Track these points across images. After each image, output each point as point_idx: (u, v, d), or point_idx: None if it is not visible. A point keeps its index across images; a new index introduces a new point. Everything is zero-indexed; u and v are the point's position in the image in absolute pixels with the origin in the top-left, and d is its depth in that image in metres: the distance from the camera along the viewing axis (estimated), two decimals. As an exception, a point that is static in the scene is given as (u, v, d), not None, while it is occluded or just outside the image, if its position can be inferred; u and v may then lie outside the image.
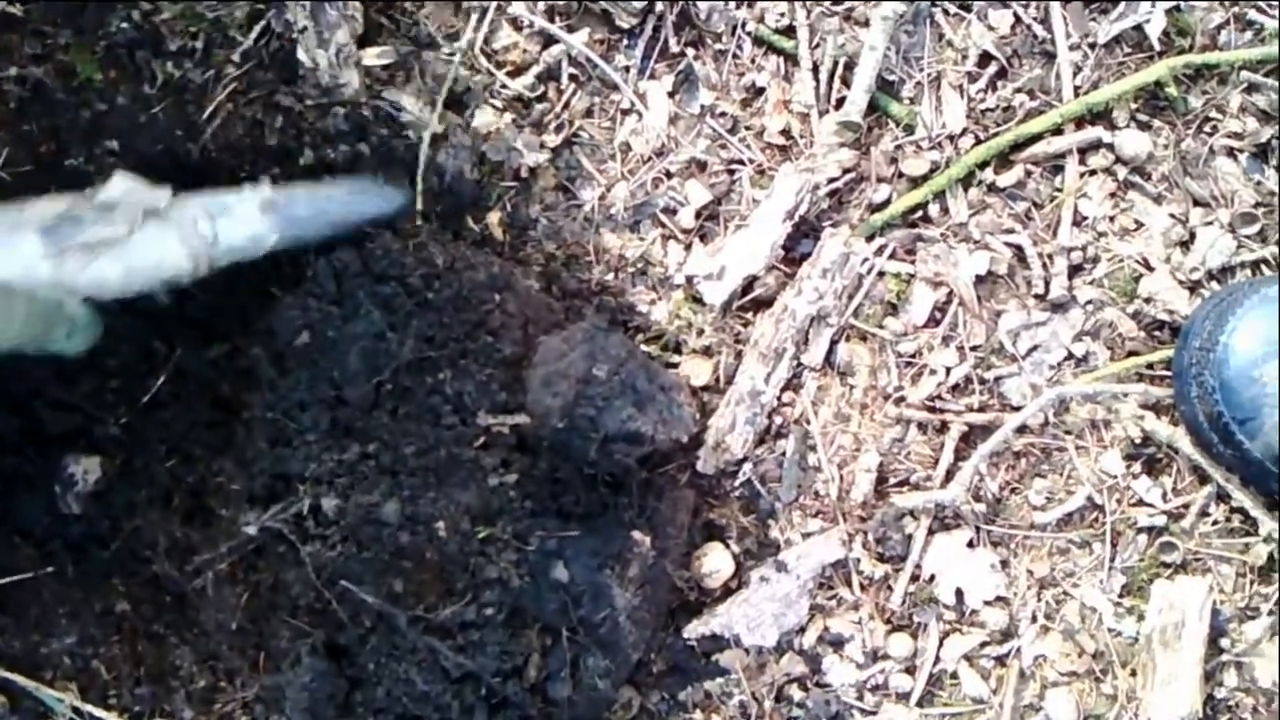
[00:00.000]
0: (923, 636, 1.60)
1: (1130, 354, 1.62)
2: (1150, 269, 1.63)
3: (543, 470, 1.46)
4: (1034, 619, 1.60)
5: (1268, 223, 1.62)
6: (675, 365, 1.62)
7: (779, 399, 1.61)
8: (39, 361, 1.43)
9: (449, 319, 1.48)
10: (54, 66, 1.44)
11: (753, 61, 1.67)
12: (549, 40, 1.64)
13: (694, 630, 1.57)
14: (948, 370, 1.62)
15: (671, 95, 1.66)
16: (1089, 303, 1.63)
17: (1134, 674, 1.57)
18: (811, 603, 1.59)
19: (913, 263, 1.63)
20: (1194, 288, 1.62)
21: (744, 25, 1.66)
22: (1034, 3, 1.66)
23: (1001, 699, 1.58)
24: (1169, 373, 1.60)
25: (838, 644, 1.59)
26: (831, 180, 1.63)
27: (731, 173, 1.66)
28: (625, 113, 1.66)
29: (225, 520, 1.49)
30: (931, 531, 1.60)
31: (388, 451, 1.46)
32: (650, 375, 1.47)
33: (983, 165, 1.64)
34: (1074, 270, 1.64)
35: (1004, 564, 1.60)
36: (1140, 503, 1.60)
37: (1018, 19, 1.66)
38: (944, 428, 1.61)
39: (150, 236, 1.31)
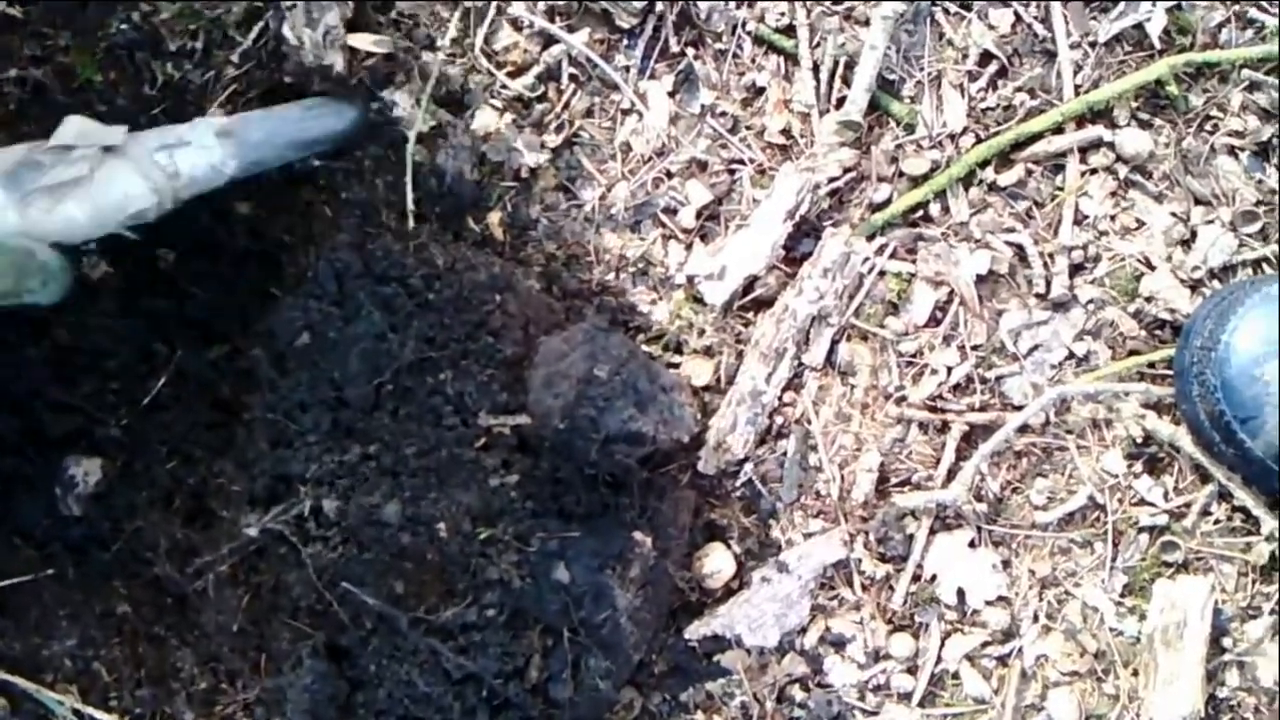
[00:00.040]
0: (924, 636, 1.59)
1: (1131, 353, 1.62)
2: (1151, 268, 1.63)
3: (544, 471, 1.46)
4: (1035, 619, 1.59)
5: (1269, 221, 1.62)
6: (676, 365, 1.62)
7: (780, 399, 1.61)
8: (20, 318, 1.45)
9: (450, 320, 1.48)
10: (54, 68, 1.44)
11: (753, 61, 1.67)
12: (549, 40, 1.64)
13: (695, 631, 1.57)
14: (949, 370, 1.61)
15: (672, 95, 1.66)
16: (1090, 302, 1.62)
17: (1136, 674, 1.57)
18: (813, 603, 1.59)
19: (914, 262, 1.63)
20: (1195, 286, 1.62)
21: (744, 25, 1.66)
22: (1034, 2, 1.66)
23: (1003, 699, 1.57)
24: (1170, 372, 1.59)
25: (839, 644, 1.59)
26: (832, 180, 1.63)
27: (732, 172, 1.66)
28: (626, 113, 1.66)
29: (226, 522, 1.49)
30: (933, 531, 1.60)
31: (389, 452, 1.46)
32: (651, 375, 1.47)
33: (983, 164, 1.64)
34: (1075, 269, 1.63)
35: (1005, 564, 1.60)
36: (1142, 502, 1.60)
37: (1018, 18, 1.66)
38: (945, 427, 1.61)
39: (112, 173, 1.31)
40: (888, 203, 1.65)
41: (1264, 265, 1.63)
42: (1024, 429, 1.60)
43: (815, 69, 1.65)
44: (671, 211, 1.65)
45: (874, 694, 1.58)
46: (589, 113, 1.65)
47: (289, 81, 1.52)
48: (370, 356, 1.46)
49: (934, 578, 1.59)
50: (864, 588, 1.60)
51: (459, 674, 1.42)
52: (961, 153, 1.64)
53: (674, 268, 1.64)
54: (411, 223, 1.56)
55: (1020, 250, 1.63)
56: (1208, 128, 1.65)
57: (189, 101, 1.50)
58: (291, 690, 1.42)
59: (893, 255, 1.63)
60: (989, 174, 1.64)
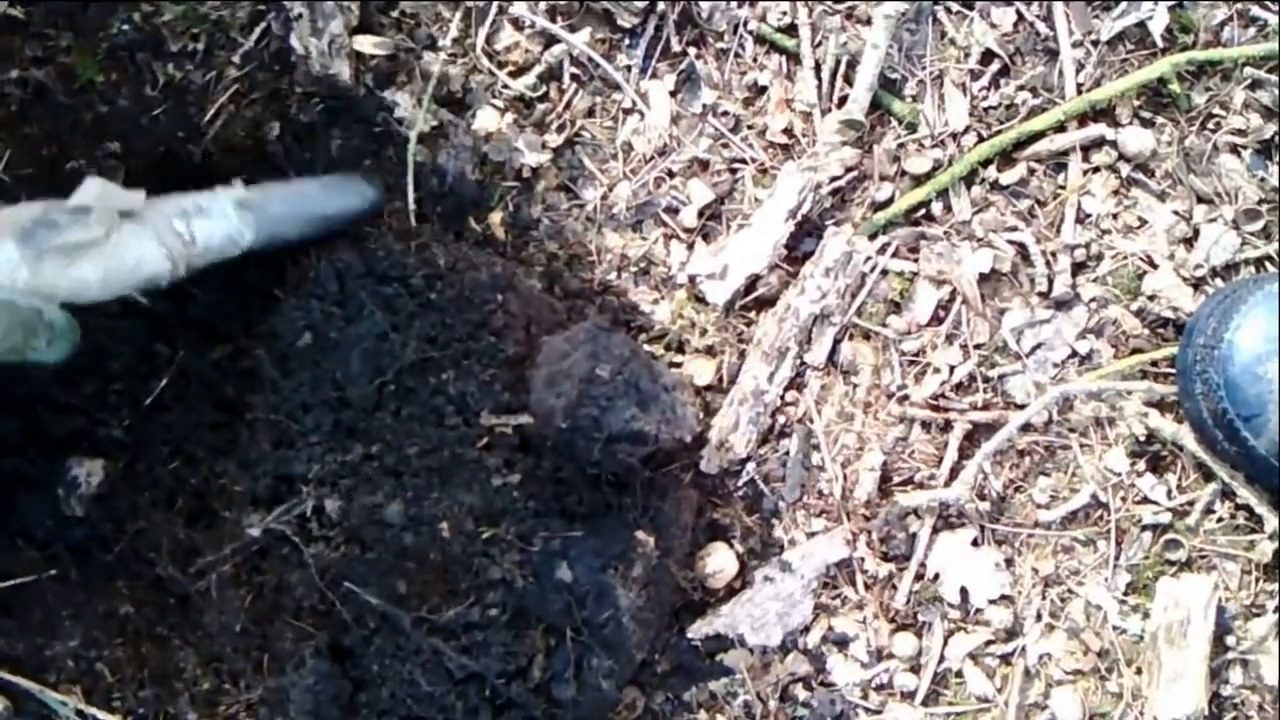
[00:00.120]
0: (927, 635, 1.59)
1: (1134, 351, 1.62)
2: (1154, 266, 1.63)
3: (546, 470, 1.46)
4: (1039, 617, 1.59)
5: (1271, 219, 1.62)
6: (678, 365, 1.62)
7: (782, 398, 1.61)
8: (23, 369, 1.43)
9: (451, 319, 1.48)
10: (55, 69, 1.44)
11: (755, 60, 1.67)
12: (551, 40, 1.64)
13: (698, 630, 1.57)
14: (951, 369, 1.61)
15: (673, 94, 1.66)
16: (1093, 300, 1.62)
17: (1139, 672, 1.57)
18: (816, 602, 1.59)
19: (916, 261, 1.63)
20: (1198, 285, 1.62)
21: (746, 24, 1.66)
22: (1036, 0, 1.65)
23: (1007, 697, 1.57)
24: (1173, 370, 1.59)
25: (842, 643, 1.59)
26: (834, 179, 1.63)
27: (734, 172, 1.65)
28: (627, 112, 1.66)
29: (229, 522, 1.48)
30: (936, 530, 1.60)
31: (391, 452, 1.46)
32: (653, 375, 1.47)
33: (985, 163, 1.64)
34: (1077, 268, 1.63)
35: (1008, 562, 1.60)
36: (1145, 500, 1.60)
37: (1020, 16, 1.66)
38: (948, 426, 1.61)
39: (127, 238, 1.30)
40: (890, 202, 1.65)
41: (1266, 263, 1.63)
42: (1027, 428, 1.60)
43: (817, 68, 1.65)
44: (673, 211, 1.65)
45: (877, 693, 1.58)
46: (590, 112, 1.65)
47: (297, 90, 1.53)
48: (372, 356, 1.46)
49: (937, 576, 1.59)
50: (867, 587, 1.60)
51: (462, 674, 1.42)
52: (964, 151, 1.64)
53: (676, 267, 1.64)
54: (413, 222, 1.56)
55: (1022, 249, 1.63)
56: (1210, 126, 1.65)
57: (190, 103, 1.50)
58: (294, 690, 1.42)
59: (895, 254, 1.63)
60: (991, 173, 1.64)
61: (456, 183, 1.60)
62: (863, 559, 1.59)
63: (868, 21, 1.65)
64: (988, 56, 1.65)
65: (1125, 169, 1.64)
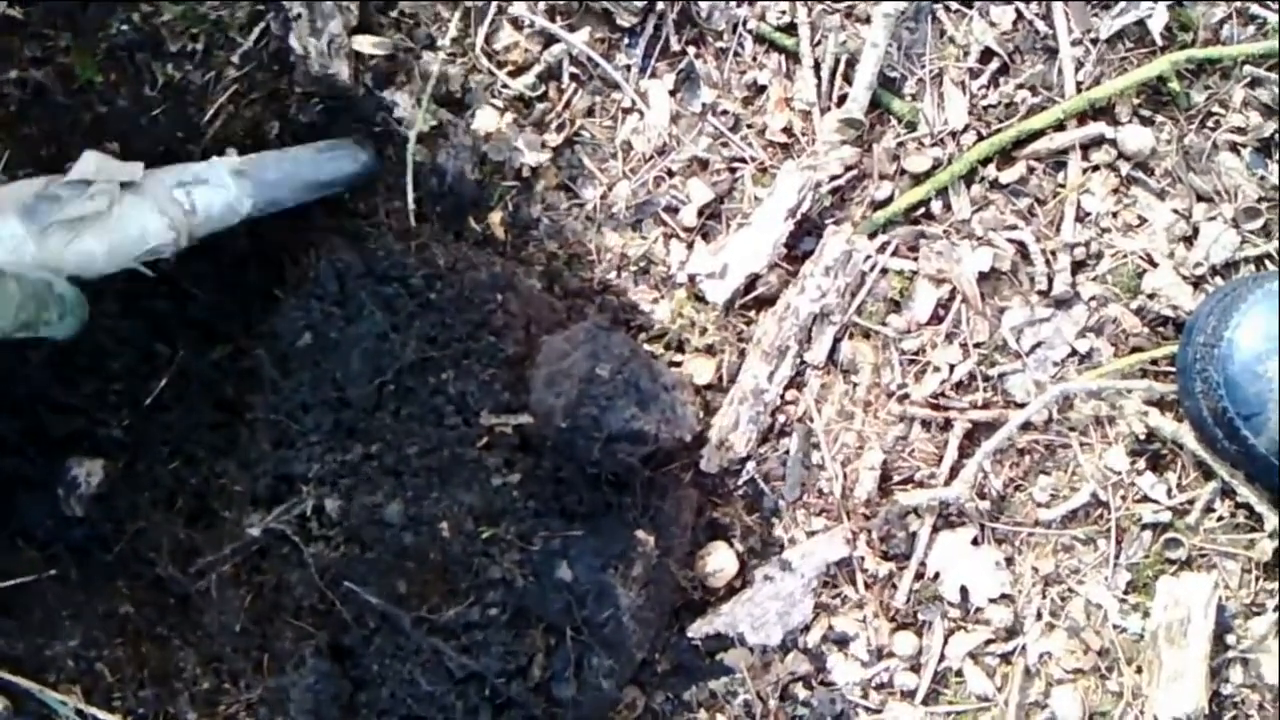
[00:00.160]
0: (927, 634, 1.59)
1: (1134, 350, 1.62)
2: (1154, 265, 1.63)
3: (546, 470, 1.46)
4: (1039, 616, 1.59)
5: (1271, 217, 1.62)
6: (678, 364, 1.62)
7: (782, 397, 1.61)
8: (33, 348, 1.44)
9: (451, 319, 1.48)
10: (54, 69, 1.44)
11: (754, 59, 1.67)
12: (550, 39, 1.64)
13: (698, 629, 1.57)
14: (951, 367, 1.61)
15: (673, 94, 1.66)
16: (1092, 299, 1.62)
17: (1139, 671, 1.57)
18: (816, 601, 1.59)
19: (915, 260, 1.63)
20: (1197, 283, 1.62)
21: (745, 23, 1.66)
22: (1035, -2, 1.66)
23: (1007, 696, 1.57)
24: (1173, 369, 1.59)
25: (842, 642, 1.59)
26: (834, 178, 1.63)
27: (733, 171, 1.65)
28: (627, 111, 1.66)
29: (228, 522, 1.48)
30: (936, 529, 1.60)
31: (391, 452, 1.46)
32: (653, 374, 1.47)
33: (985, 162, 1.64)
34: (1077, 266, 1.63)
35: (1008, 561, 1.60)
36: (1145, 499, 1.60)
37: (1019, 15, 1.65)
38: (948, 425, 1.61)
39: (130, 210, 1.32)
40: (889, 200, 1.64)
41: (1266, 262, 1.63)
42: (1026, 426, 1.60)
43: (816, 67, 1.65)
44: (673, 210, 1.65)
45: (877, 692, 1.58)
46: (590, 112, 1.65)
47: (297, 90, 1.53)
48: (372, 356, 1.46)
49: (937, 575, 1.59)
50: (867, 586, 1.60)
51: (462, 673, 1.42)
52: (963, 150, 1.64)
53: (675, 266, 1.64)
54: (413, 222, 1.57)
55: (1022, 247, 1.63)
56: (1209, 124, 1.65)
57: (190, 103, 1.50)
58: (294, 690, 1.42)
59: (895, 253, 1.63)
60: (991, 171, 1.64)
61: (456, 182, 1.60)
62: (863, 558, 1.59)
63: (867, 20, 1.65)
64: (987, 55, 1.65)
65: (1125, 167, 1.64)
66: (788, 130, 1.65)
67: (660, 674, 1.57)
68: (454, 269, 1.50)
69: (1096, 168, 1.64)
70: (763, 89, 1.66)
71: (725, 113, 1.66)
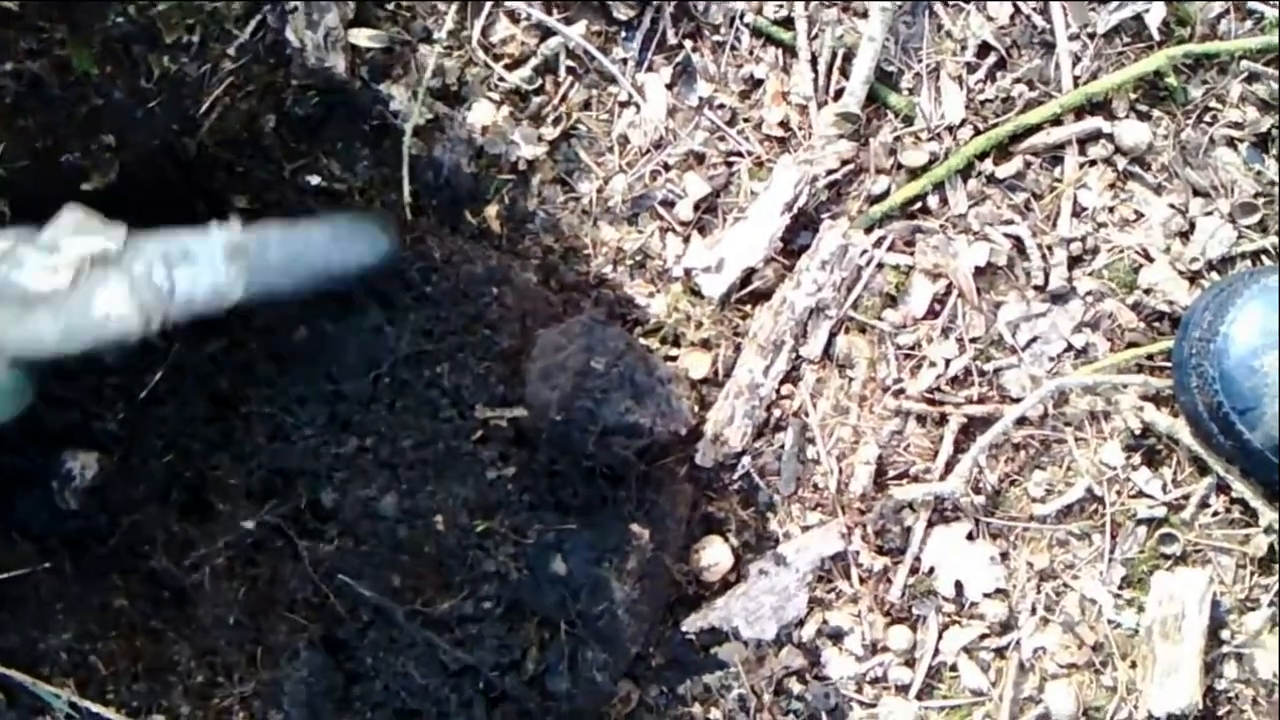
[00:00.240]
0: (922, 629, 1.59)
1: (1130, 345, 1.62)
2: (1150, 260, 1.63)
3: (541, 463, 1.46)
4: (1034, 611, 1.59)
5: (1268, 213, 1.62)
6: (674, 358, 1.62)
7: (778, 391, 1.61)
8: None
9: (446, 312, 1.48)
10: (50, 61, 1.44)
11: (751, 53, 1.67)
12: (546, 32, 1.64)
13: (693, 623, 1.57)
14: (947, 362, 1.61)
15: (669, 87, 1.66)
16: (1089, 294, 1.62)
17: (1134, 666, 1.57)
18: (810, 595, 1.59)
19: (912, 254, 1.63)
20: (1194, 278, 1.62)
21: (742, 17, 1.65)
22: (1033, -7, 1.66)
23: (1001, 691, 1.57)
24: (1169, 364, 1.59)
25: (837, 637, 1.59)
26: (830, 172, 1.63)
27: (730, 165, 1.65)
28: (623, 105, 1.65)
29: (223, 515, 1.48)
30: (931, 524, 1.60)
31: (385, 445, 1.46)
32: (649, 368, 1.47)
33: (982, 156, 1.63)
34: (1073, 261, 1.63)
35: (1003, 556, 1.60)
36: (1140, 494, 1.60)
37: (1017, 9, 1.65)
38: (943, 420, 1.61)
39: (97, 286, 1.16)
40: (886, 195, 1.64)
41: (1263, 257, 1.63)
42: (1022, 421, 1.60)
43: (813, 61, 1.65)
44: (669, 204, 1.65)
45: (871, 686, 1.58)
46: (586, 105, 1.65)
47: (293, 83, 1.53)
48: (367, 349, 1.46)
49: (932, 570, 1.59)
50: (862, 580, 1.60)
51: (456, 666, 1.42)
52: (960, 145, 1.64)
53: (671, 260, 1.64)
54: (409, 216, 1.56)
55: (1019, 242, 1.63)
56: (1207, 119, 1.65)
57: (185, 96, 1.50)
58: (288, 683, 1.42)
59: (891, 247, 1.63)
60: (987, 166, 1.64)
61: (452, 176, 1.60)
62: (858, 552, 1.59)
63: (864, 14, 1.65)
64: (984, 49, 1.65)
65: (1121, 162, 1.63)
66: (784, 124, 1.65)
67: (655, 668, 1.57)
68: (449, 262, 1.50)
69: (1093, 162, 1.64)
70: (759, 83, 1.66)
71: (722, 106, 1.66)
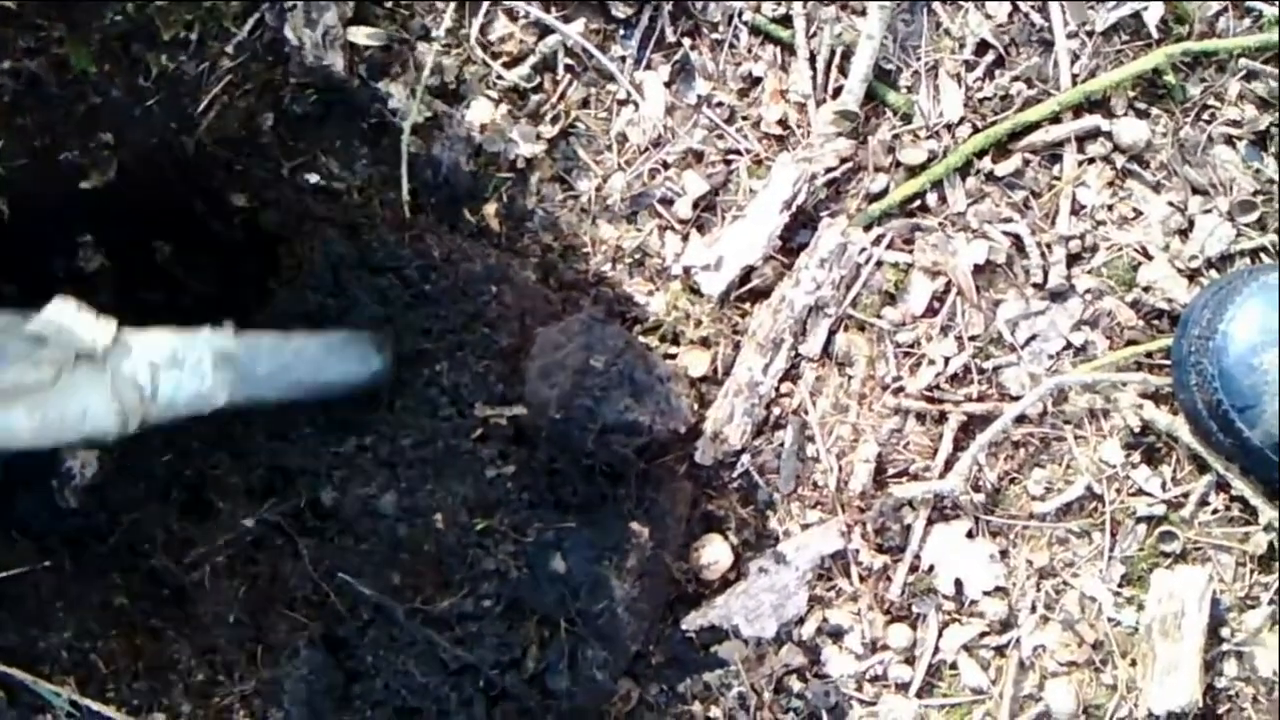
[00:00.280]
0: (922, 627, 1.59)
1: (1129, 343, 1.62)
2: (1149, 257, 1.63)
3: (540, 462, 1.46)
4: (1033, 609, 1.59)
5: (1267, 210, 1.62)
6: (673, 356, 1.61)
7: (777, 390, 1.61)
8: None
9: (446, 311, 1.48)
10: (48, 60, 1.44)
11: (749, 51, 1.67)
12: (545, 31, 1.64)
13: (693, 622, 1.57)
14: (946, 360, 1.61)
15: (668, 85, 1.66)
16: (1087, 292, 1.62)
17: (1134, 664, 1.57)
18: (810, 594, 1.59)
19: (911, 252, 1.63)
20: (1193, 276, 1.62)
21: (741, 15, 1.65)
22: (1031, -9, 1.66)
23: (1001, 689, 1.57)
24: (1168, 361, 1.59)
25: (837, 635, 1.59)
26: (829, 170, 1.63)
27: (729, 163, 1.65)
28: (622, 103, 1.65)
29: (223, 514, 1.49)
30: (930, 522, 1.60)
31: (385, 444, 1.46)
32: (648, 366, 1.47)
33: (980, 154, 1.63)
34: (1072, 259, 1.63)
35: (1003, 554, 1.60)
36: (1140, 492, 1.60)
37: (1015, 7, 1.65)
38: (942, 418, 1.61)
39: (78, 384, 1.13)
40: (885, 193, 1.64)
41: (1261, 254, 1.63)
42: (1021, 419, 1.60)
43: (812, 59, 1.65)
44: (668, 202, 1.65)
45: (871, 684, 1.58)
46: (585, 103, 1.65)
47: (291, 81, 1.53)
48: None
49: (931, 568, 1.59)
50: (861, 578, 1.60)
51: (456, 664, 1.42)
52: (958, 142, 1.64)
53: (670, 258, 1.64)
54: (408, 214, 1.56)
55: (1017, 240, 1.63)
56: (1205, 117, 1.65)
57: (183, 94, 1.50)
58: (289, 681, 1.42)
59: (890, 245, 1.63)
60: (986, 164, 1.64)
61: (451, 174, 1.60)
62: (857, 551, 1.59)
63: (862, 12, 1.65)
64: (983, 47, 1.65)
65: (1120, 160, 1.63)
66: (783, 122, 1.65)
67: (655, 666, 1.57)
68: (449, 260, 1.50)
69: (1092, 160, 1.64)
70: (758, 81, 1.66)
71: (720, 105, 1.66)
